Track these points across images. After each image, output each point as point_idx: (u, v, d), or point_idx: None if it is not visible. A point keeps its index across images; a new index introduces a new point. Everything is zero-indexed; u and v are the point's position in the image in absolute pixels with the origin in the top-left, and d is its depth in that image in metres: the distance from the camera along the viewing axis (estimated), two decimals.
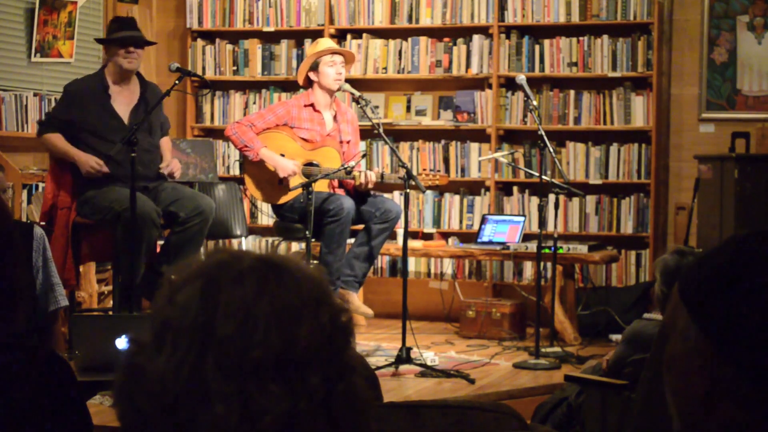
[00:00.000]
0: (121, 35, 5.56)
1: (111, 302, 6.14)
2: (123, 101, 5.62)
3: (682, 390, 1.16)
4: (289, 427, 1.03)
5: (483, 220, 6.89)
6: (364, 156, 6.75)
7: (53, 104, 6.94)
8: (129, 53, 5.56)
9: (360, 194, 6.04)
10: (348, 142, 6.19)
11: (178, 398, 1.03)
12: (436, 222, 7.57)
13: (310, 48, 6.19)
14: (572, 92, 7.30)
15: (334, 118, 6.17)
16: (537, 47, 7.33)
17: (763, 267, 1.12)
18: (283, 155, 6.04)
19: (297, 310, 1.06)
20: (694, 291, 1.16)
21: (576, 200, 7.26)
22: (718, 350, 1.12)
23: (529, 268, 7.33)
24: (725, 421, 1.12)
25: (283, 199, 6.04)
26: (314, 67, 6.04)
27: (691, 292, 1.16)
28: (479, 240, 6.82)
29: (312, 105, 6.09)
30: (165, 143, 5.86)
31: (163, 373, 1.04)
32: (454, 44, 7.50)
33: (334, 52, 6.04)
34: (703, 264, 1.17)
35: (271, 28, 7.79)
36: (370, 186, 5.98)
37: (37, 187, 6.50)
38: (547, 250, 6.22)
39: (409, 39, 7.56)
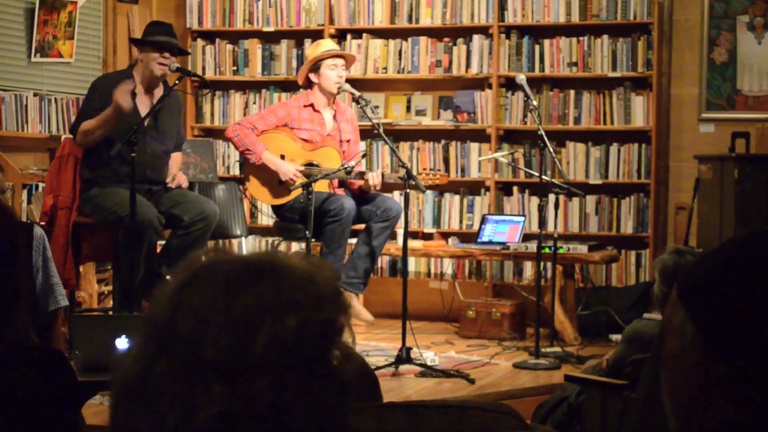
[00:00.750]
0: (159, 39, 5.54)
1: (111, 302, 6.14)
2: (146, 102, 5.58)
3: (677, 386, 1.16)
4: (223, 429, 1.02)
5: (483, 220, 6.89)
6: (364, 156, 6.76)
7: (53, 104, 6.94)
8: (164, 58, 5.52)
9: (363, 194, 6.05)
10: (348, 142, 6.20)
11: (135, 391, 1.05)
12: (436, 222, 7.57)
13: (311, 49, 6.18)
14: (572, 92, 7.30)
15: (334, 117, 6.18)
16: (537, 47, 7.33)
17: (760, 267, 1.13)
18: (283, 156, 6.05)
19: (259, 315, 1.05)
20: (692, 288, 1.17)
21: (576, 200, 7.26)
22: (712, 347, 1.13)
23: (529, 268, 7.33)
24: (719, 418, 1.13)
25: (284, 200, 6.05)
26: (315, 69, 6.04)
27: (688, 288, 1.17)
28: (479, 240, 6.82)
29: (312, 105, 6.10)
30: (175, 158, 5.81)
31: (127, 366, 1.06)
32: (454, 44, 7.50)
33: (335, 56, 6.05)
34: (702, 262, 1.18)
35: (271, 28, 7.79)
36: (378, 188, 5.99)
37: (37, 187, 6.50)
38: (547, 250, 6.22)
39: (409, 39, 7.56)
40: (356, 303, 6.07)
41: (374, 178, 5.92)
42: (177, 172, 5.75)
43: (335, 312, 1.09)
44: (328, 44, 6.19)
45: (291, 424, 1.05)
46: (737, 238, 1.18)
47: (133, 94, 5.50)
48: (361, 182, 6.03)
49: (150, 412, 1.03)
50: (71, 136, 5.61)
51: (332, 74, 6.00)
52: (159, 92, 5.65)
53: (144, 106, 5.56)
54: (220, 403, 1.02)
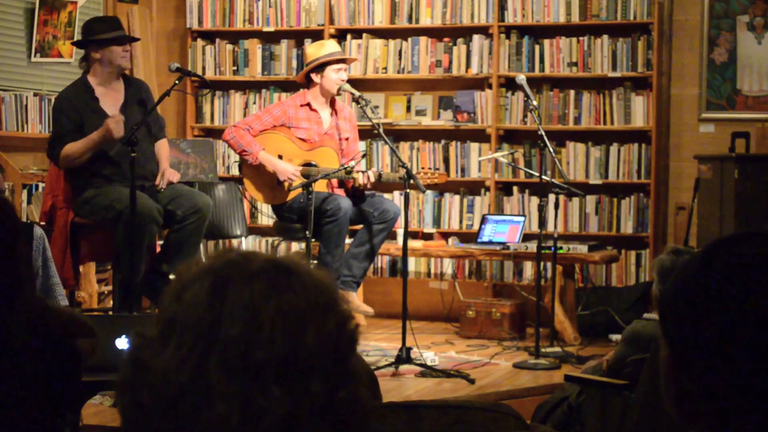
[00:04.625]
0: (118, 35, 5.55)
1: (111, 302, 6.14)
2: (110, 102, 5.56)
3: (664, 393, 1.17)
4: (288, 430, 1.03)
5: (483, 220, 6.89)
6: (364, 156, 6.75)
7: (54, 103, 6.94)
8: (125, 51, 5.56)
9: (358, 194, 6.04)
10: (347, 140, 6.19)
11: (180, 394, 1.03)
12: (436, 222, 7.57)
13: (314, 48, 6.14)
14: (572, 92, 7.30)
15: (332, 115, 6.16)
16: (537, 47, 7.34)
17: (720, 289, 1.11)
18: (280, 156, 6.04)
19: (304, 315, 1.06)
20: (662, 303, 1.16)
21: (576, 200, 7.26)
22: (678, 365, 1.13)
23: (529, 268, 7.33)
24: (699, 420, 1.14)
25: (283, 200, 6.04)
26: (318, 69, 6.03)
27: (661, 303, 1.16)
28: (479, 240, 6.82)
29: (308, 104, 6.08)
30: (162, 148, 5.75)
31: (166, 369, 1.04)
32: (454, 44, 7.50)
33: (342, 59, 6.04)
34: (677, 276, 1.16)
35: (271, 28, 7.79)
36: (369, 186, 5.98)
37: (37, 187, 6.50)
38: (547, 250, 6.22)
39: (409, 39, 7.56)
40: (355, 298, 6.07)
41: (364, 178, 5.91)
42: (166, 167, 5.67)
43: (351, 313, 1.12)
44: (332, 46, 6.16)
45: (344, 425, 1.06)
46: (705, 250, 1.15)
47: (96, 98, 5.51)
48: (351, 180, 6.03)
49: (205, 418, 1.03)
50: (50, 161, 5.60)
51: (336, 77, 6.00)
52: (119, 84, 5.62)
53: (109, 105, 5.50)
54: (284, 406, 1.03)
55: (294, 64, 7.73)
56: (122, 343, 4.12)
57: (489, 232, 6.84)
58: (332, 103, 6.17)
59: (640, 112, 7.18)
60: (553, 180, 6.09)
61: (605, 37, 7.21)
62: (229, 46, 7.91)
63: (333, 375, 1.06)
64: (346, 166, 5.86)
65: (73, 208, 5.58)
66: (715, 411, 1.11)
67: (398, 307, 5.67)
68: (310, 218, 5.63)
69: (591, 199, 7.25)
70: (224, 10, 7.88)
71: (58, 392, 1.97)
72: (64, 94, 5.60)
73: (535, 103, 6.09)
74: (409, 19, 7.56)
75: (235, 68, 7.90)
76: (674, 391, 1.14)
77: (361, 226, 6.06)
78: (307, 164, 6.05)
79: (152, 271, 5.46)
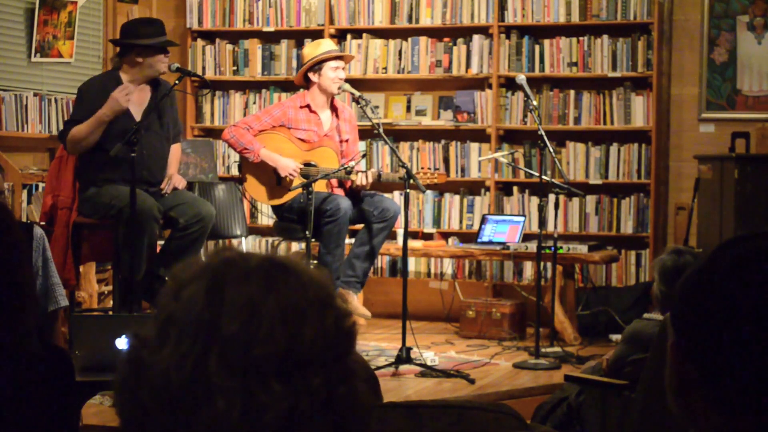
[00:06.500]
0: (162, 41, 5.56)
1: (111, 302, 6.14)
2: (136, 101, 5.56)
3: (666, 379, 1.19)
4: (289, 426, 1.03)
5: (483, 220, 6.89)
6: (363, 156, 6.76)
7: (53, 104, 6.94)
8: (166, 57, 5.56)
9: (356, 194, 6.03)
10: (346, 141, 6.18)
11: (179, 392, 1.04)
12: (436, 222, 7.57)
13: (310, 48, 6.15)
14: (572, 92, 7.30)
15: (333, 116, 6.15)
16: (537, 47, 7.34)
17: (724, 279, 1.16)
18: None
19: (302, 311, 1.07)
20: (675, 291, 1.21)
21: (576, 200, 7.26)
22: (682, 350, 1.16)
23: (529, 268, 7.33)
24: (705, 419, 1.16)
25: (282, 200, 6.04)
26: (316, 69, 6.02)
27: (675, 293, 1.21)
28: (479, 240, 6.82)
29: (308, 106, 6.07)
30: (174, 152, 5.78)
31: (166, 367, 1.05)
32: (454, 44, 7.50)
33: (338, 57, 6.03)
34: (693, 267, 1.22)
35: (271, 28, 7.79)
36: (367, 187, 5.97)
37: (37, 187, 6.50)
38: (547, 250, 6.22)
39: (409, 39, 7.57)
40: (354, 299, 6.07)
41: (362, 179, 5.90)
42: (173, 172, 5.70)
43: (348, 310, 1.12)
44: (328, 44, 6.16)
45: (344, 421, 1.07)
46: (720, 245, 1.21)
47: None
48: (350, 181, 6.03)
49: (205, 415, 1.03)
50: (60, 143, 5.60)
51: (334, 75, 5.99)
52: (146, 86, 5.63)
53: (134, 104, 5.52)
54: (285, 401, 1.03)
55: (294, 64, 7.73)
56: (122, 343, 4.13)
57: (489, 232, 6.84)
58: (332, 104, 6.16)
59: (640, 112, 7.18)
60: (553, 180, 6.09)
61: (605, 37, 7.21)
62: (229, 46, 7.91)
63: (332, 371, 1.06)
64: (345, 166, 5.85)
65: (77, 206, 5.59)
66: (715, 401, 1.13)
67: (398, 307, 5.67)
68: (310, 218, 5.63)
69: (591, 199, 7.26)
70: (224, 10, 7.88)
71: (56, 404, 1.97)
72: (91, 83, 5.62)
73: (535, 103, 6.09)
74: (409, 19, 7.56)
75: (235, 68, 7.90)
76: (676, 379, 1.17)
77: (361, 225, 6.06)
78: (307, 164, 6.04)
79: (150, 274, 5.46)
